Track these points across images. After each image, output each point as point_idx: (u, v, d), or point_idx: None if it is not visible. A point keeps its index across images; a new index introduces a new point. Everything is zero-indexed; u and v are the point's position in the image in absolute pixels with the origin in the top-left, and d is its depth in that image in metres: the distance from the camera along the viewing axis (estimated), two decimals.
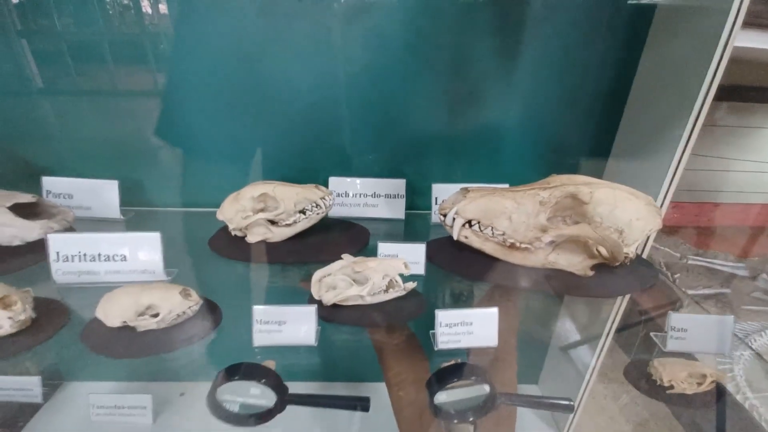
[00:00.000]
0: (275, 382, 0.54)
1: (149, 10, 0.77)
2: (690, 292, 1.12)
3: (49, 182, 0.79)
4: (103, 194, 0.80)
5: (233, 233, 0.73)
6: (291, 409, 0.58)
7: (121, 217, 0.80)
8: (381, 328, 0.62)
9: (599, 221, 0.61)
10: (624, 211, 0.60)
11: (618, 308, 0.77)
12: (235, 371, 0.52)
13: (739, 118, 1.19)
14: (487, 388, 0.53)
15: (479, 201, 0.64)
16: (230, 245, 0.73)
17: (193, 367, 0.89)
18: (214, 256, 0.72)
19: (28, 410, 0.95)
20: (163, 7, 0.76)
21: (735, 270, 1.26)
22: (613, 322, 0.78)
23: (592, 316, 0.87)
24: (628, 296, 0.73)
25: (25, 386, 0.76)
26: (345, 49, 0.79)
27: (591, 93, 0.84)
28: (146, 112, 0.84)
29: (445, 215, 0.66)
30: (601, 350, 0.81)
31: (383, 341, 0.67)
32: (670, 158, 0.68)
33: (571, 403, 0.55)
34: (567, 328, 0.93)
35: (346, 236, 0.78)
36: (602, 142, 0.86)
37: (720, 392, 0.61)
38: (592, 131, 0.87)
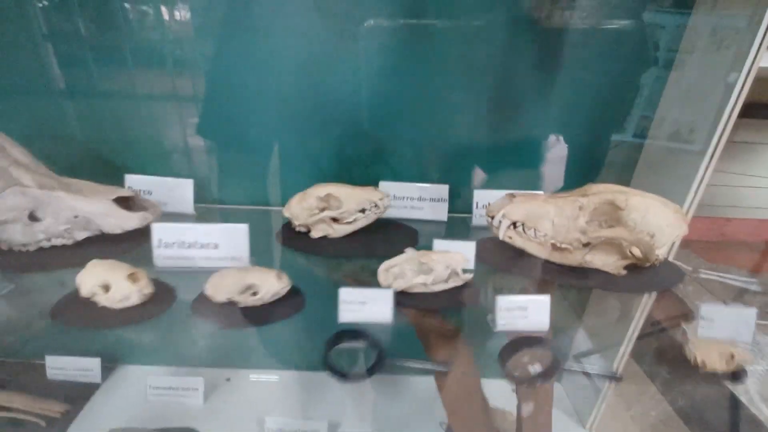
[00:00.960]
0: (376, 344, 0.64)
1: (226, 27, 0.86)
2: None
3: (131, 179, 0.88)
4: (178, 191, 0.88)
5: (297, 229, 0.82)
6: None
7: (194, 212, 0.89)
8: (439, 313, 0.70)
9: (632, 226, 0.69)
10: (655, 217, 0.68)
11: (643, 308, 0.84)
12: (345, 335, 0.62)
13: (757, 134, 1.26)
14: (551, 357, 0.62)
15: (525, 205, 0.72)
16: (296, 239, 0.81)
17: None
18: (280, 248, 0.81)
19: (85, 391, 1.02)
20: (240, 24, 0.85)
21: (747, 285, 1.30)
22: (638, 322, 0.86)
23: (617, 316, 0.94)
24: (654, 295, 0.80)
25: (87, 367, 0.85)
26: (395, 70, 0.89)
27: (621, 111, 0.93)
28: (218, 120, 0.94)
29: (492, 217, 0.74)
30: (625, 350, 0.88)
31: (433, 328, 0.75)
32: (694, 174, 0.76)
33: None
34: (588, 335, 0.99)
35: (397, 235, 0.86)
36: (630, 157, 0.95)
37: (737, 378, 0.68)
38: (622, 146, 0.96)
